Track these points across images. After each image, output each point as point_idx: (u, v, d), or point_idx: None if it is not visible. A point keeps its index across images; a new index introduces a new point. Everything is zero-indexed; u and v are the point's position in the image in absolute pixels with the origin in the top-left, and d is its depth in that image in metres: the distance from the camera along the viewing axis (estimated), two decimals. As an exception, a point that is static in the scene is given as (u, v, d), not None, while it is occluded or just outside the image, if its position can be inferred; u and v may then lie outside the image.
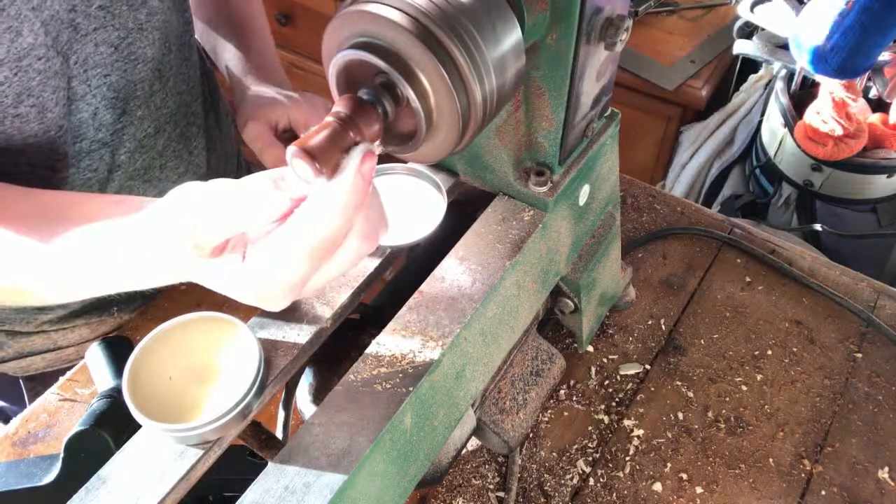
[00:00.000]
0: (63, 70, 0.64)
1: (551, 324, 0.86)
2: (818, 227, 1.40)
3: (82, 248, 0.49)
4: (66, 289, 0.53)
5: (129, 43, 0.70)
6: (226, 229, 0.42)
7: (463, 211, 0.66)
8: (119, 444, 0.49)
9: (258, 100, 0.81)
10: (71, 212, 0.51)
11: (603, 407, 0.82)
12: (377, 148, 0.44)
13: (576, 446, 0.78)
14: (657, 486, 0.75)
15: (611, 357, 0.86)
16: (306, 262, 0.41)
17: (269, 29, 0.95)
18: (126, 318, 0.91)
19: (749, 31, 1.49)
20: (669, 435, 0.79)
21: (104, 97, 0.70)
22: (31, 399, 0.91)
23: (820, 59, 1.06)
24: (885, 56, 1.20)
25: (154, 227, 0.45)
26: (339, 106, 0.43)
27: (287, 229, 0.41)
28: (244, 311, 0.56)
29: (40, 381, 0.90)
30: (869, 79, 1.32)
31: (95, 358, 0.66)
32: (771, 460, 0.77)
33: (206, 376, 0.49)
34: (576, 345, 0.86)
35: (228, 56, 0.89)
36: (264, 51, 0.91)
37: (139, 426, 0.49)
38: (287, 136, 0.81)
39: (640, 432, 0.79)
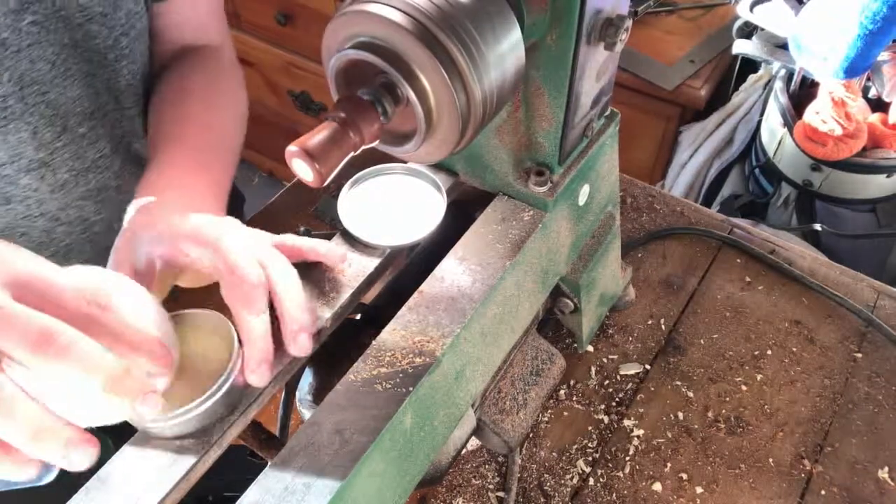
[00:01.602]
0: None
1: (551, 324, 0.86)
2: (818, 226, 1.40)
3: None
4: None
5: (64, 59, 0.67)
6: None
7: (463, 211, 0.66)
8: (119, 444, 0.49)
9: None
10: None
11: (603, 407, 0.82)
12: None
13: (576, 446, 0.78)
14: (657, 486, 0.75)
15: (611, 357, 0.86)
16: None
17: (231, 169, 0.74)
18: None
19: (748, 30, 1.48)
20: (669, 435, 0.79)
21: (42, 115, 0.68)
22: None
23: (819, 58, 1.06)
24: (884, 56, 1.20)
25: None
26: (339, 106, 0.43)
27: None
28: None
29: None
30: (869, 79, 1.32)
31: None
32: (771, 460, 0.77)
33: (184, 371, 0.49)
34: (576, 345, 0.86)
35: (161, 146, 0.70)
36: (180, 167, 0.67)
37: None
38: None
39: (640, 432, 0.79)
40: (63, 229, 0.77)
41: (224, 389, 0.48)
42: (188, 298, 0.57)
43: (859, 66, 1.07)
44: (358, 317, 0.66)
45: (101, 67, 0.72)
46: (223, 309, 0.51)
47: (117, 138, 0.77)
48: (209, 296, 0.50)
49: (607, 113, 0.68)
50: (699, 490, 0.75)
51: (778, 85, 1.43)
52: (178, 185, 0.63)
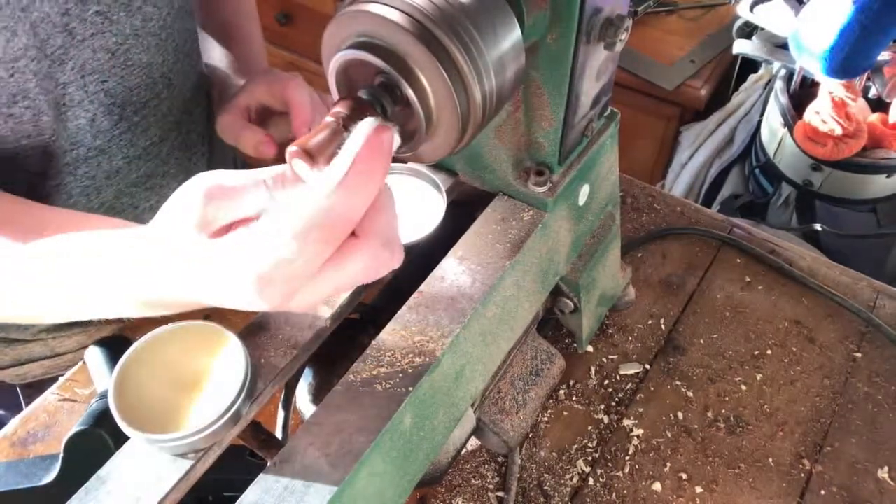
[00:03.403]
0: (51, 73, 0.64)
1: (551, 324, 0.86)
2: (818, 226, 1.40)
3: (79, 258, 0.47)
4: (56, 308, 0.51)
5: (125, 49, 0.70)
6: (236, 202, 0.39)
7: (463, 211, 0.66)
8: (119, 444, 0.49)
9: (229, 93, 0.81)
10: (69, 226, 0.50)
11: (602, 407, 0.82)
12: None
13: (575, 446, 0.78)
14: (657, 486, 0.75)
15: (610, 357, 0.86)
16: (291, 243, 0.36)
17: (259, 32, 0.95)
18: (123, 325, 0.91)
19: (749, 30, 1.49)
20: (669, 435, 0.79)
21: (101, 103, 0.70)
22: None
23: (819, 58, 1.06)
24: (884, 56, 1.20)
25: (157, 225, 0.42)
26: (339, 106, 0.43)
27: (276, 208, 0.37)
28: (242, 317, 0.56)
29: (38, 389, 0.90)
30: (869, 79, 1.32)
31: (95, 358, 0.66)
32: (770, 460, 0.77)
33: (193, 385, 0.49)
34: (575, 345, 0.86)
35: (215, 58, 0.90)
36: (250, 53, 0.91)
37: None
38: (259, 119, 0.79)
39: (640, 432, 0.79)
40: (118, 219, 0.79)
41: (236, 407, 0.48)
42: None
43: (859, 65, 1.07)
44: (358, 317, 0.66)
45: (158, 53, 0.74)
46: (223, 321, 0.52)
47: (168, 126, 0.80)
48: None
49: (607, 113, 0.68)
50: (699, 490, 0.75)
51: (778, 85, 1.43)
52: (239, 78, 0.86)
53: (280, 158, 0.79)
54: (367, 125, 0.37)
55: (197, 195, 0.39)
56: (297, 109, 0.73)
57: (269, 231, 0.36)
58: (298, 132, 0.73)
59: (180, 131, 0.82)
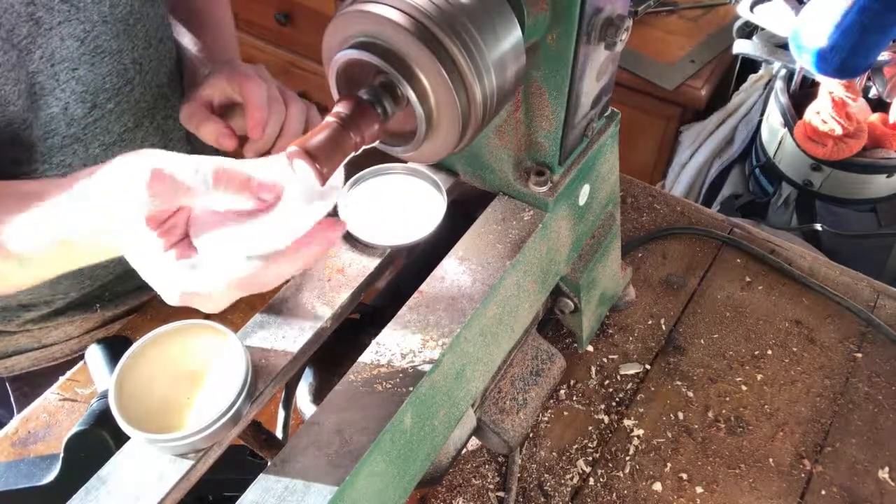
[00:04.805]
0: (21, 63, 0.64)
1: (551, 324, 0.86)
2: (818, 226, 1.40)
3: (25, 212, 0.49)
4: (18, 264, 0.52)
5: (94, 36, 0.70)
6: (176, 192, 0.43)
7: (463, 211, 0.66)
8: (119, 443, 0.49)
9: (197, 81, 0.80)
10: (23, 186, 0.51)
11: (603, 407, 0.82)
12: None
13: (576, 446, 0.78)
14: (657, 486, 0.75)
15: (611, 357, 0.86)
16: (215, 289, 0.44)
17: (230, 19, 0.94)
18: (110, 315, 0.91)
19: (749, 30, 1.49)
20: (669, 435, 0.79)
21: (73, 91, 0.70)
22: (18, 400, 0.91)
23: (820, 58, 1.06)
24: (884, 56, 1.20)
25: (102, 181, 0.45)
26: (340, 106, 0.43)
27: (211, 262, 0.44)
28: (242, 317, 0.56)
29: (26, 382, 0.90)
30: (869, 78, 1.32)
31: (95, 358, 0.66)
32: (771, 460, 0.77)
33: (193, 385, 0.49)
34: (576, 345, 0.86)
35: (185, 44, 0.89)
36: (220, 41, 0.90)
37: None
38: (222, 110, 0.79)
39: (640, 432, 0.79)
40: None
41: (236, 407, 0.48)
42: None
43: (859, 64, 1.07)
44: (358, 317, 0.66)
45: (127, 39, 0.74)
46: (223, 320, 0.52)
47: (141, 112, 0.80)
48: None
49: (607, 113, 0.68)
50: (699, 490, 0.75)
51: (778, 85, 1.43)
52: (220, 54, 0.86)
53: (240, 150, 0.79)
54: (318, 218, 0.43)
55: (140, 188, 0.42)
56: (252, 111, 0.72)
57: (202, 281, 0.44)
58: (252, 133, 0.72)
59: (154, 117, 0.82)
